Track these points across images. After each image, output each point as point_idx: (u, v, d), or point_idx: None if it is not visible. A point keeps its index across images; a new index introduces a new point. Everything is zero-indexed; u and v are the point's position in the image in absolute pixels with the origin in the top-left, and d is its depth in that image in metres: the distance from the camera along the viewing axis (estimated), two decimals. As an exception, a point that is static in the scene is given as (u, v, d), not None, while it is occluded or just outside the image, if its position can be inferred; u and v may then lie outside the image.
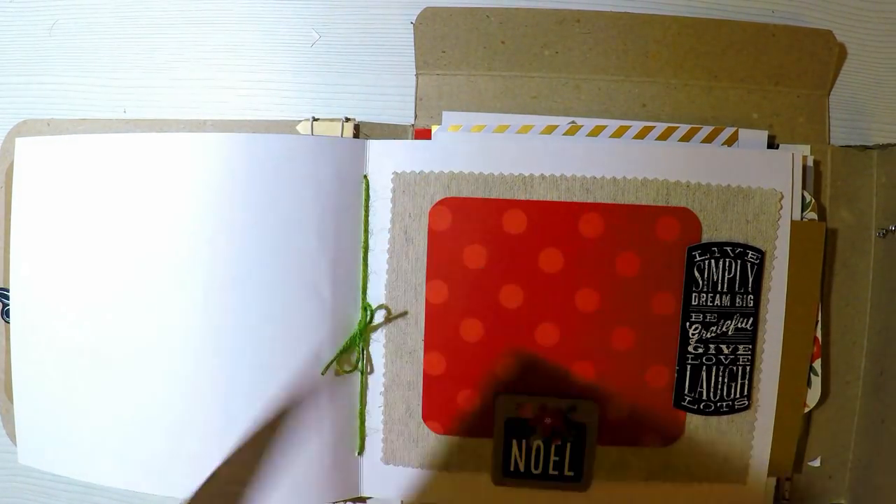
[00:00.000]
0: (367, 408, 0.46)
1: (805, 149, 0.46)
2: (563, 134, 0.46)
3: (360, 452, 0.47)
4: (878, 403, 0.46)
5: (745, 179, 0.44)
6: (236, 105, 0.48)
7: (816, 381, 0.46)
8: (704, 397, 0.45)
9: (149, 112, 0.48)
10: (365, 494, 0.47)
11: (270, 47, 0.49)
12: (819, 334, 0.46)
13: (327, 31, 0.49)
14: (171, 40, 0.49)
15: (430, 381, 0.46)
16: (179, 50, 0.49)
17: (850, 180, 0.47)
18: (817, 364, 0.46)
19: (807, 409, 0.46)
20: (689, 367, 0.45)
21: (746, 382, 0.45)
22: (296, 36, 0.49)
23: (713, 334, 0.45)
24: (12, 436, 0.48)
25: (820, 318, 0.46)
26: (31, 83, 0.50)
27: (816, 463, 0.48)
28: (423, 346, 0.45)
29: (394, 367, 0.46)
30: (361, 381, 0.46)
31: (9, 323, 0.48)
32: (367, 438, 0.47)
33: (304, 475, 0.46)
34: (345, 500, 0.47)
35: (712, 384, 0.45)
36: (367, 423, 0.46)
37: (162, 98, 0.49)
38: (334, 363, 0.45)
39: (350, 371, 0.46)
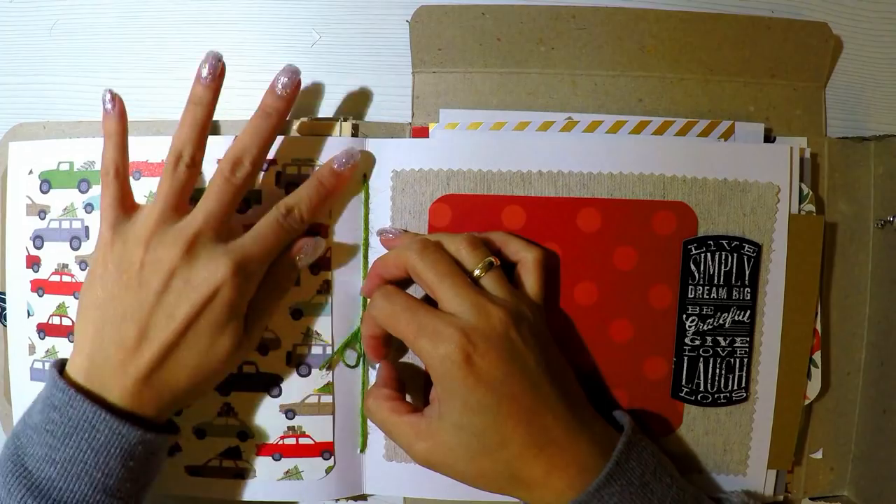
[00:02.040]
0: (369, 404, 0.47)
1: (802, 141, 0.46)
2: (560, 130, 0.46)
3: (363, 450, 0.47)
4: (879, 394, 0.46)
5: (741, 173, 0.44)
6: (236, 105, 0.49)
7: (816, 373, 0.46)
8: (702, 388, 0.45)
9: (149, 112, 0.49)
10: (367, 492, 0.47)
11: (270, 47, 0.49)
12: (818, 326, 0.46)
13: (327, 31, 0.49)
14: (171, 41, 0.49)
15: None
16: (180, 50, 0.49)
17: (847, 172, 0.47)
18: (817, 356, 0.46)
19: (807, 402, 0.46)
20: (686, 358, 0.45)
21: (744, 374, 0.45)
22: (296, 36, 0.49)
23: (710, 326, 0.45)
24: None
25: (819, 310, 0.46)
26: (31, 83, 0.50)
27: (818, 455, 0.48)
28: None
29: (396, 364, 0.46)
30: (363, 379, 0.46)
31: (6, 326, 0.48)
32: (368, 436, 0.47)
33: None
34: (347, 498, 0.47)
35: (710, 376, 0.45)
36: (368, 421, 0.46)
37: (162, 98, 0.49)
38: (334, 360, 0.46)
39: (351, 367, 0.46)
